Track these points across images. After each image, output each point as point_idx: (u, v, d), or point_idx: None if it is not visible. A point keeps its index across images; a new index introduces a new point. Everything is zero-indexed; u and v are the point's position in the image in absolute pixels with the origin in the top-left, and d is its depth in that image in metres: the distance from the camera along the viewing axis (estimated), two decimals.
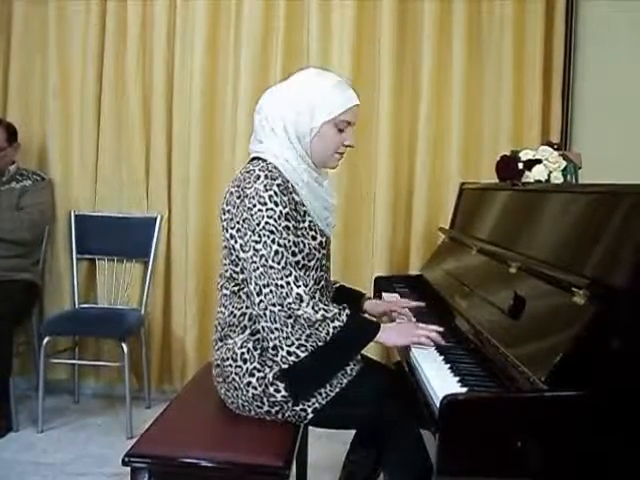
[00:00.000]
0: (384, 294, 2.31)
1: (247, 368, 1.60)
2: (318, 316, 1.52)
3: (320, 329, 1.53)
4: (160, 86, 3.13)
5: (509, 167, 2.15)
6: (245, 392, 1.61)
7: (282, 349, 1.54)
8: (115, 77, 3.16)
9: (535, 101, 3.01)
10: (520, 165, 2.12)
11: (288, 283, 1.52)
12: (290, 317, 1.52)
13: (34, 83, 3.21)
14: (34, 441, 2.71)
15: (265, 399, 1.60)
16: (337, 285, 1.95)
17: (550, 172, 2.09)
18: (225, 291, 1.68)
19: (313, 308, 1.52)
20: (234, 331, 1.65)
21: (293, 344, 1.53)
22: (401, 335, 1.65)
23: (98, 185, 3.20)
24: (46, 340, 2.78)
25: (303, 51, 3.09)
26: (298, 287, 1.53)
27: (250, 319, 1.63)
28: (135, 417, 2.80)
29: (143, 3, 3.12)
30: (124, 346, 2.77)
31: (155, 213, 3.16)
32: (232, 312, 1.66)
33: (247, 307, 1.63)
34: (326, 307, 1.55)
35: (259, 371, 1.60)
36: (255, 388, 1.59)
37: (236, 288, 1.65)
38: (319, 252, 1.66)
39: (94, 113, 3.17)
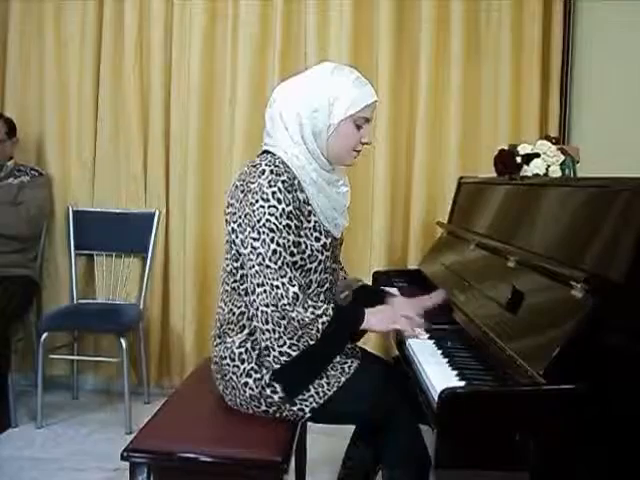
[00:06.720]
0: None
1: (244, 369, 1.59)
2: (308, 315, 1.51)
3: (311, 328, 1.52)
4: (158, 80, 3.12)
5: (507, 161, 2.15)
6: (242, 392, 1.60)
7: (274, 349, 1.54)
8: (113, 72, 3.15)
9: (533, 95, 3.00)
10: (518, 159, 2.12)
11: (283, 284, 1.49)
12: (284, 318, 1.51)
13: (31, 79, 3.20)
14: (33, 437, 2.71)
15: (262, 400, 1.59)
16: (360, 284, 1.91)
17: (548, 166, 2.09)
18: (226, 287, 1.66)
19: (303, 307, 1.51)
20: (232, 330, 1.64)
21: (285, 344, 1.53)
22: (382, 321, 1.65)
23: (96, 181, 3.20)
24: (45, 336, 2.78)
25: (300, 49, 3.08)
26: (293, 286, 1.50)
27: (249, 318, 1.61)
28: (134, 412, 2.80)
29: None
30: (123, 341, 2.77)
31: (153, 209, 3.16)
32: (231, 309, 1.64)
33: (246, 305, 1.61)
34: (314, 304, 1.53)
35: (256, 372, 1.58)
36: (252, 389, 1.58)
37: (235, 285, 1.63)
38: (322, 254, 1.62)
39: (92, 109, 3.17)
